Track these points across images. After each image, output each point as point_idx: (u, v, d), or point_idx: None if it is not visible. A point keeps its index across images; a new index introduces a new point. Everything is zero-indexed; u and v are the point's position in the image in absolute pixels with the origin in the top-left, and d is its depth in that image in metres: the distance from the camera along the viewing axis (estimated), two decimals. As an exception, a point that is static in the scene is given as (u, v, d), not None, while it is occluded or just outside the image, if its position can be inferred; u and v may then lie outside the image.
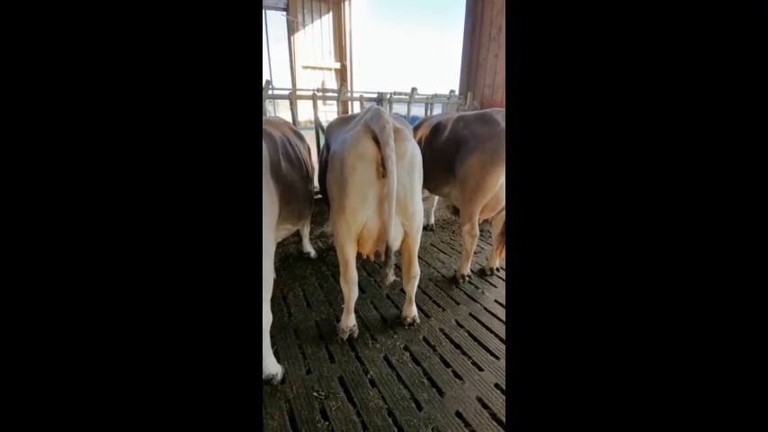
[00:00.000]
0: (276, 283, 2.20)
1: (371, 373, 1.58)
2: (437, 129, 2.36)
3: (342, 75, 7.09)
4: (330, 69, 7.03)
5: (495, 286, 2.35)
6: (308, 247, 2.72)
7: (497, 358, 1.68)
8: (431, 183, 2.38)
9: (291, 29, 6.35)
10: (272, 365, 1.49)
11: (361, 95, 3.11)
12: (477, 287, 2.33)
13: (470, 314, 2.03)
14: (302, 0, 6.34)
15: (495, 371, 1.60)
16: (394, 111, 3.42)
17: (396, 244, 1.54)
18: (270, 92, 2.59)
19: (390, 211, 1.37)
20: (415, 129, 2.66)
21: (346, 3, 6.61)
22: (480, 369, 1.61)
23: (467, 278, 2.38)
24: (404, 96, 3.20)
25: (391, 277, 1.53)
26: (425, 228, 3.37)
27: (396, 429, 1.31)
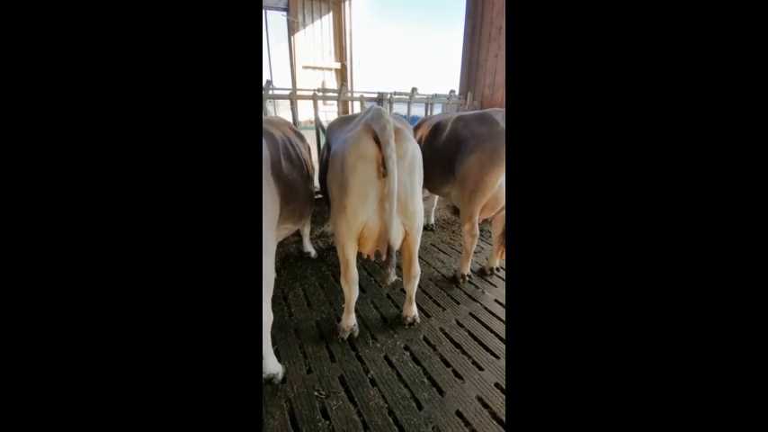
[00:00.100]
0: (277, 282, 2.20)
1: (372, 372, 1.58)
2: (437, 129, 2.36)
3: (342, 75, 7.09)
4: (330, 69, 7.03)
5: (495, 286, 2.35)
6: (309, 247, 2.73)
7: (497, 357, 1.68)
8: (431, 182, 2.39)
9: (292, 29, 6.35)
10: (272, 365, 1.49)
11: (362, 95, 3.12)
12: (477, 287, 2.33)
13: (470, 314, 2.03)
14: (302, 0, 6.34)
15: (496, 370, 1.60)
16: (394, 111, 3.43)
17: (396, 243, 1.55)
18: (270, 92, 2.59)
19: (391, 210, 1.38)
20: (416, 129, 2.67)
21: (346, 3, 6.62)
22: (480, 368, 1.61)
23: (467, 278, 2.38)
24: (404, 96, 3.20)
25: (393, 277, 1.54)
26: (425, 228, 3.37)
27: (396, 428, 1.31)
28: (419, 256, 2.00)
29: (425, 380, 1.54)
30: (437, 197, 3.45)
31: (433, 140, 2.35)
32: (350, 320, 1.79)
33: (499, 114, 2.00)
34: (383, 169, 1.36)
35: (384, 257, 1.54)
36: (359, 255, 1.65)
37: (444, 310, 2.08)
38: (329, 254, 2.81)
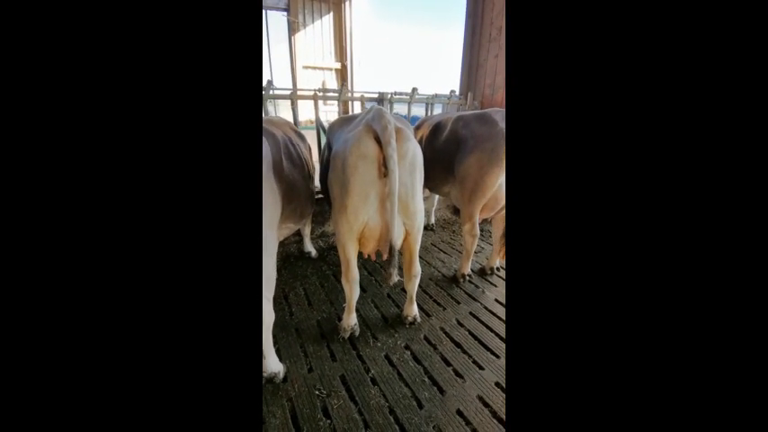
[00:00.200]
0: (277, 282, 2.21)
1: (373, 371, 1.59)
2: (437, 128, 2.37)
3: (342, 75, 7.10)
4: (331, 69, 7.03)
5: (496, 285, 2.35)
6: (309, 247, 2.73)
7: (498, 357, 1.68)
8: (431, 182, 2.39)
9: (292, 29, 6.36)
10: (274, 364, 1.50)
11: (362, 96, 3.12)
12: (477, 286, 2.33)
13: (471, 313, 2.04)
14: (303, 0, 6.34)
15: (496, 369, 1.61)
16: (394, 111, 3.43)
17: (397, 243, 1.55)
18: (272, 92, 2.60)
19: (392, 210, 1.38)
20: (416, 129, 2.67)
21: (347, 3, 6.62)
22: (481, 368, 1.62)
23: (467, 277, 2.39)
24: (404, 96, 3.21)
25: (395, 277, 1.54)
26: (426, 228, 3.38)
27: (397, 427, 1.32)
28: (419, 256, 2.00)
29: (426, 379, 1.55)
30: (437, 197, 3.45)
31: (434, 140, 2.35)
32: (351, 320, 1.79)
33: (498, 114, 2.01)
34: (384, 169, 1.36)
35: (385, 257, 1.55)
36: (359, 254, 1.66)
37: (445, 309, 2.08)
38: (330, 253, 2.82)
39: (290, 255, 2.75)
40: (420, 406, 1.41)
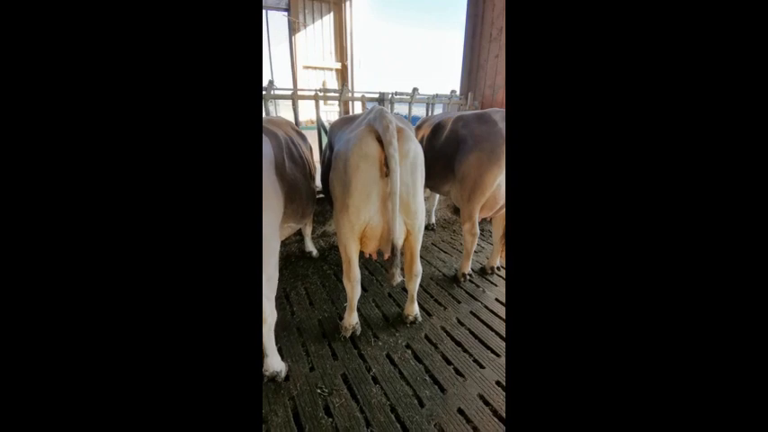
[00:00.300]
0: (279, 281, 2.22)
1: (374, 370, 1.60)
2: (438, 128, 2.38)
3: (343, 75, 7.11)
4: (331, 69, 7.04)
5: (496, 285, 2.36)
6: (310, 246, 2.74)
7: (498, 356, 1.69)
8: (431, 181, 2.40)
9: (292, 29, 6.37)
10: (276, 363, 1.51)
11: (363, 96, 3.13)
12: (477, 286, 2.34)
13: (471, 312, 2.04)
14: (303, 0, 6.35)
15: (497, 368, 1.61)
16: (395, 111, 3.44)
17: (399, 242, 1.56)
18: (273, 92, 2.61)
19: (394, 209, 1.39)
20: (417, 129, 2.68)
21: (347, 3, 6.63)
22: (482, 366, 1.63)
23: (468, 277, 2.39)
24: (405, 96, 3.21)
25: (398, 277, 1.55)
26: (426, 227, 3.38)
27: (398, 426, 1.32)
28: (420, 256, 2.01)
29: (427, 378, 1.56)
30: (438, 197, 3.46)
31: (434, 140, 2.36)
32: (352, 319, 1.80)
33: (498, 114, 2.02)
34: (386, 169, 1.37)
35: (386, 257, 1.56)
36: (360, 254, 1.66)
37: (445, 308, 2.09)
38: (331, 253, 2.83)
39: (292, 254, 2.76)
40: (421, 404, 1.42)
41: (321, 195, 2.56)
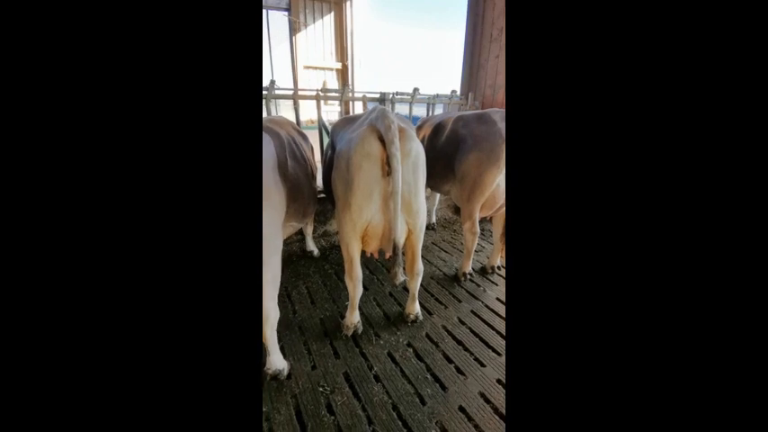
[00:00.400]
0: (280, 280, 2.23)
1: (376, 368, 1.61)
2: (438, 128, 2.39)
3: (343, 75, 7.11)
4: (332, 69, 7.05)
5: (496, 284, 2.37)
6: (312, 246, 2.75)
7: (499, 354, 1.70)
8: (432, 180, 2.41)
9: (293, 29, 6.37)
10: (278, 361, 1.51)
11: (364, 96, 3.14)
12: (478, 285, 2.35)
13: (472, 311, 2.05)
14: (304, 0, 6.36)
15: (497, 367, 1.62)
16: (396, 111, 3.45)
17: (400, 241, 1.57)
18: (275, 92, 2.61)
19: (396, 208, 1.40)
20: (418, 128, 2.69)
21: (347, 3, 6.63)
22: (482, 365, 1.64)
23: (468, 276, 2.40)
24: (406, 97, 3.22)
25: (401, 276, 1.56)
26: (427, 227, 3.39)
27: (400, 423, 1.33)
28: (421, 255, 2.02)
29: (428, 376, 1.57)
30: (438, 196, 3.47)
31: (435, 140, 2.37)
32: (354, 317, 1.81)
33: (498, 114, 2.03)
34: (388, 168, 1.38)
35: (388, 256, 1.56)
36: (362, 253, 1.67)
37: (446, 307, 2.10)
38: (332, 252, 2.83)
39: (293, 254, 2.77)
40: (423, 402, 1.43)
41: (322, 195, 2.57)
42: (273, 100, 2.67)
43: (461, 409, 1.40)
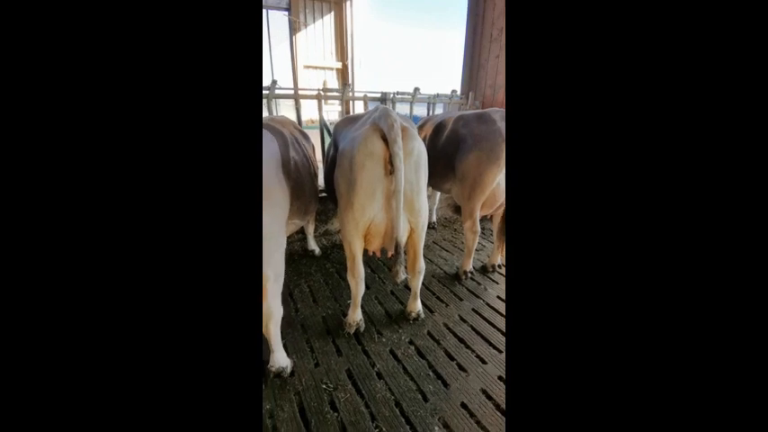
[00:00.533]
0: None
1: (378, 365, 1.62)
2: (439, 128, 2.40)
3: (343, 75, 7.12)
4: (332, 69, 7.06)
5: (497, 282, 2.39)
6: (313, 245, 2.76)
7: (500, 352, 1.71)
8: (433, 179, 2.42)
9: (293, 29, 6.38)
10: (282, 359, 1.53)
11: (365, 95, 3.15)
12: (479, 283, 2.37)
13: (473, 309, 2.07)
14: (304, 0, 6.36)
15: (499, 364, 1.64)
16: (396, 110, 3.46)
17: (402, 240, 1.58)
18: (276, 91, 2.62)
19: (398, 207, 1.41)
20: (419, 128, 2.70)
21: (348, 3, 6.64)
22: (484, 362, 1.65)
23: (469, 274, 2.42)
24: (407, 96, 3.23)
25: (402, 275, 1.57)
26: (428, 226, 3.40)
27: (403, 420, 1.35)
28: (423, 253, 2.03)
29: (430, 373, 1.58)
30: (439, 195, 3.48)
31: (435, 139, 2.38)
32: (356, 315, 1.82)
33: (497, 114, 2.04)
34: (390, 167, 1.39)
35: (390, 254, 1.58)
36: (363, 252, 1.69)
37: (447, 305, 2.11)
38: (333, 251, 2.84)
39: (295, 252, 2.78)
40: (425, 399, 1.44)
41: (324, 194, 2.58)
42: (274, 100, 2.68)
43: (463, 405, 1.42)
